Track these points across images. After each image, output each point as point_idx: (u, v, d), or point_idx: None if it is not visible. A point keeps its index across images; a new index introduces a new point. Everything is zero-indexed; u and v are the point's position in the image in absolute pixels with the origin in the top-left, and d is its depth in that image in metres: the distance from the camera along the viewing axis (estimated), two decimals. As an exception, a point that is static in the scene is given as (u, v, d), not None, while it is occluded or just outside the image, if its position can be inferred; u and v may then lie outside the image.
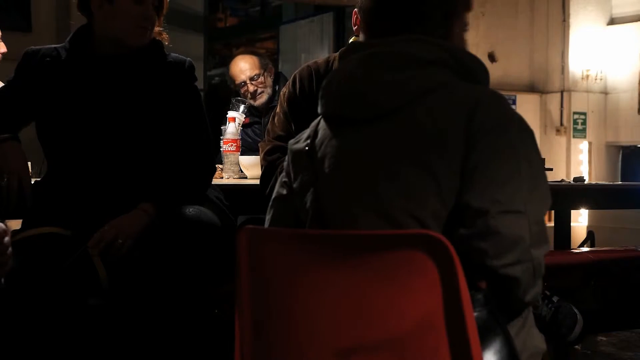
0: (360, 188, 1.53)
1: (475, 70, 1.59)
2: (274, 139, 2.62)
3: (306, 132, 1.70)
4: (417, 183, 1.47)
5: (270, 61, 4.16)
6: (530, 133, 1.54)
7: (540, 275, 1.48)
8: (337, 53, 2.63)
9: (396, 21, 1.61)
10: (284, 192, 1.70)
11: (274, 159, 2.57)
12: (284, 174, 1.73)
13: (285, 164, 1.73)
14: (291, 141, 1.73)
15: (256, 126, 3.98)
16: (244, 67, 4.01)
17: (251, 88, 3.98)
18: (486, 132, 1.48)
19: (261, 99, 3.99)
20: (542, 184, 1.52)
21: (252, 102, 3.98)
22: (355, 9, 2.46)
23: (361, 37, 1.71)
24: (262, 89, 4.00)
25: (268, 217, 1.73)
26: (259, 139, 3.18)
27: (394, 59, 1.55)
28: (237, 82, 4.02)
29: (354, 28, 2.50)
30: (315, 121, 1.70)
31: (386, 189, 1.50)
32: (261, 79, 4.00)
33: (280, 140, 2.60)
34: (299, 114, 2.56)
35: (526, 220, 1.45)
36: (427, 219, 1.46)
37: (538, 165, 1.52)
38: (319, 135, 1.64)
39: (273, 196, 1.74)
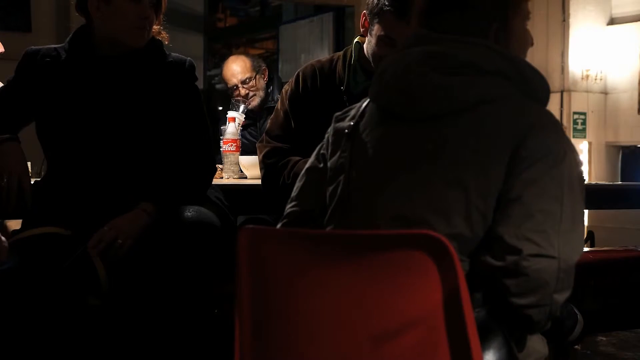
0: (388, 186, 1.50)
1: (536, 86, 1.53)
2: (272, 140, 2.60)
3: (353, 110, 1.66)
4: (445, 195, 1.44)
5: (264, 63, 4.16)
6: (579, 171, 1.47)
7: (553, 317, 1.46)
8: (341, 52, 2.62)
9: (450, 15, 1.55)
10: (320, 165, 1.67)
11: (273, 162, 2.55)
12: (323, 144, 1.69)
13: (326, 136, 1.69)
14: (337, 114, 1.70)
15: (252, 128, 3.97)
16: (235, 70, 4.01)
17: (242, 92, 3.97)
18: (534, 162, 1.42)
19: (253, 102, 3.97)
20: (580, 229, 1.46)
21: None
22: (365, 11, 2.46)
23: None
24: (254, 92, 3.98)
25: (298, 185, 1.70)
26: (255, 141, 3.17)
27: (453, 62, 1.49)
28: (229, 85, 4.03)
29: (362, 30, 2.49)
30: (364, 101, 1.65)
31: (411, 194, 1.46)
32: (252, 82, 3.99)
33: (278, 140, 2.59)
34: (301, 112, 2.55)
35: (557, 267, 1.41)
36: (444, 236, 1.43)
37: (580, 208, 1.46)
38: (365, 119, 1.60)
39: (307, 165, 1.71)
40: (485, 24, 1.54)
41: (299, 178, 1.72)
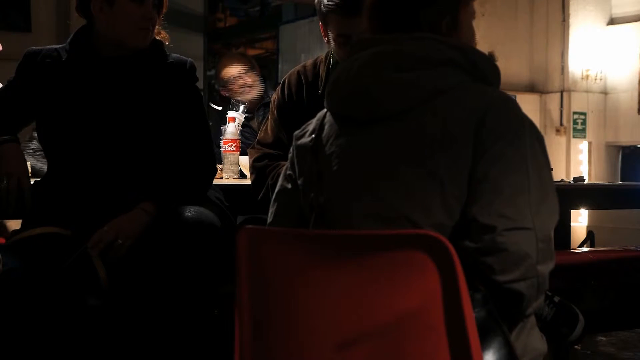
0: (363, 189, 1.51)
1: (486, 71, 1.56)
2: (263, 147, 2.61)
3: (311, 125, 1.68)
4: (421, 188, 1.46)
5: (256, 63, 4.22)
6: (541, 141, 1.50)
7: (543, 290, 1.47)
8: (324, 55, 2.61)
9: (404, 10, 1.58)
10: (289, 186, 1.69)
11: (263, 165, 2.55)
12: (288, 165, 1.71)
13: (290, 156, 1.71)
14: (296, 133, 1.71)
15: (246, 129, 3.94)
16: (236, 62, 4.10)
17: (247, 80, 4.02)
18: (496, 139, 1.45)
19: (255, 92, 4.02)
20: (551, 196, 1.48)
21: (245, 96, 4.00)
22: (320, 22, 2.45)
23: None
24: (256, 82, 4.03)
25: (272, 211, 1.72)
26: (249, 142, 3.17)
27: (404, 59, 1.52)
28: (228, 76, 4.05)
29: (325, 40, 2.48)
30: (321, 114, 1.67)
31: (388, 192, 1.48)
32: (252, 72, 4.04)
33: (269, 147, 2.59)
34: (288, 120, 2.54)
35: (534, 237, 1.43)
36: (427, 228, 1.44)
37: (547, 176, 1.49)
38: (325, 131, 1.62)
39: (277, 189, 1.73)
40: (437, 18, 1.57)
41: (271, 203, 1.73)
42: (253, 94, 4.02)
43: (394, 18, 1.59)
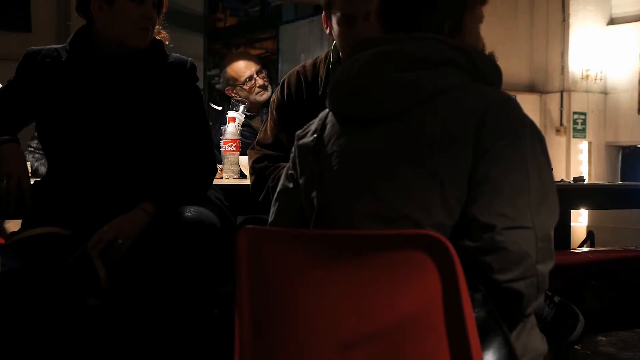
0: (363, 189, 1.52)
1: (487, 71, 1.56)
2: (263, 148, 2.61)
3: (313, 125, 1.68)
4: (421, 188, 1.46)
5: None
6: (541, 141, 1.50)
7: (543, 290, 1.47)
8: (323, 55, 2.61)
9: (406, 12, 1.58)
10: (290, 185, 1.69)
11: (262, 167, 2.55)
12: (290, 165, 1.71)
13: (292, 155, 1.72)
14: (298, 132, 1.71)
15: (245, 128, 3.91)
16: (248, 62, 4.00)
17: (260, 82, 3.96)
18: (496, 139, 1.45)
19: (268, 94, 3.95)
20: (551, 196, 1.48)
21: (257, 97, 3.96)
22: (323, 14, 2.45)
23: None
24: (268, 83, 3.99)
25: (273, 210, 1.72)
26: (249, 142, 3.16)
27: (404, 59, 1.52)
28: (242, 78, 3.96)
29: (327, 32, 2.47)
30: (323, 113, 1.68)
31: (388, 192, 1.48)
32: (264, 73, 4.00)
33: (269, 148, 2.59)
34: (288, 120, 2.53)
35: (533, 236, 1.43)
36: (427, 228, 1.44)
37: (548, 176, 1.49)
38: (327, 131, 1.62)
39: (278, 189, 1.73)
40: (440, 20, 1.57)
41: (273, 202, 1.73)
42: (266, 95, 3.95)
43: (397, 19, 1.59)
